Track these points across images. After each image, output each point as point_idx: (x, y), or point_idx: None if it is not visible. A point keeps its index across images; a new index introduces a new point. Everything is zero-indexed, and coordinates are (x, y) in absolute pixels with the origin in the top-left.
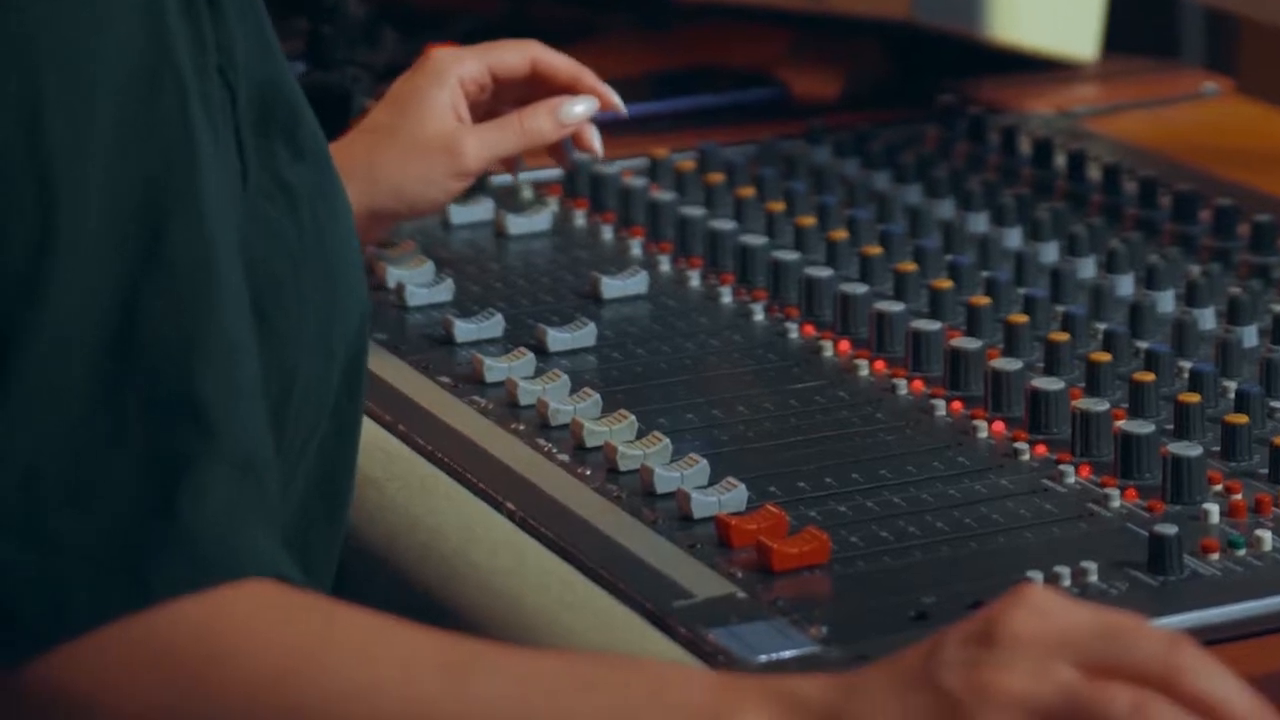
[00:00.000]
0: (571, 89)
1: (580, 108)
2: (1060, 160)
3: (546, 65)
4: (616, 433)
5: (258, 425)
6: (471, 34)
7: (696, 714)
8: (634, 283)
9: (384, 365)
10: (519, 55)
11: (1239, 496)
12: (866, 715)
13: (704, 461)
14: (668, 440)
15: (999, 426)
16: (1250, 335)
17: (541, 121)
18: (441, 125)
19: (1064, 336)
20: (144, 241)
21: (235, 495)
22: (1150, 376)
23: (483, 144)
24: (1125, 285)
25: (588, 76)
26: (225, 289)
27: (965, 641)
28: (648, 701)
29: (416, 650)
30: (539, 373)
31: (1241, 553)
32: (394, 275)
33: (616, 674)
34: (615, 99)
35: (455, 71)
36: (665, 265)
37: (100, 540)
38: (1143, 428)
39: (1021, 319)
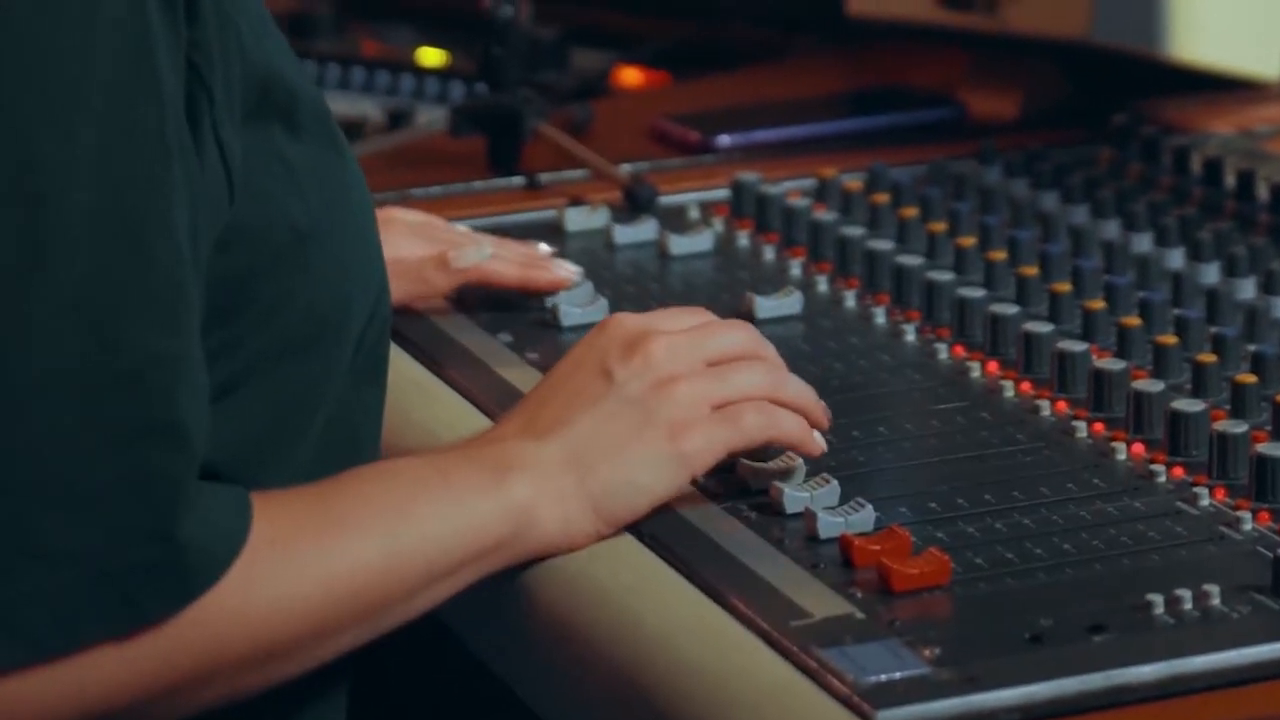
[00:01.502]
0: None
1: (470, 256)
2: (1230, 180)
3: (493, 276)
4: (751, 452)
5: (206, 422)
6: (662, 55)
7: (477, 489)
8: (788, 303)
9: (531, 385)
10: (472, 259)
11: None
12: (592, 445)
13: (834, 482)
14: (800, 461)
15: (1138, 448)
16: None
17: (431, 273)
18: None
19: (1212, 358)
20: (127, 263)
21: (210, 503)
22: None
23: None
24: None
25: (537, 275)
26: (194, 304)
27: (626, 363)
28: (443, 502)
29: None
30: None
31: None
32: (550, 296)
33: (424, 482)
34: (567, 277)
35: (400, 244)
36: (823, 285)
37: (96, 560)
38: (1277, 450)
39: (1172, 340)
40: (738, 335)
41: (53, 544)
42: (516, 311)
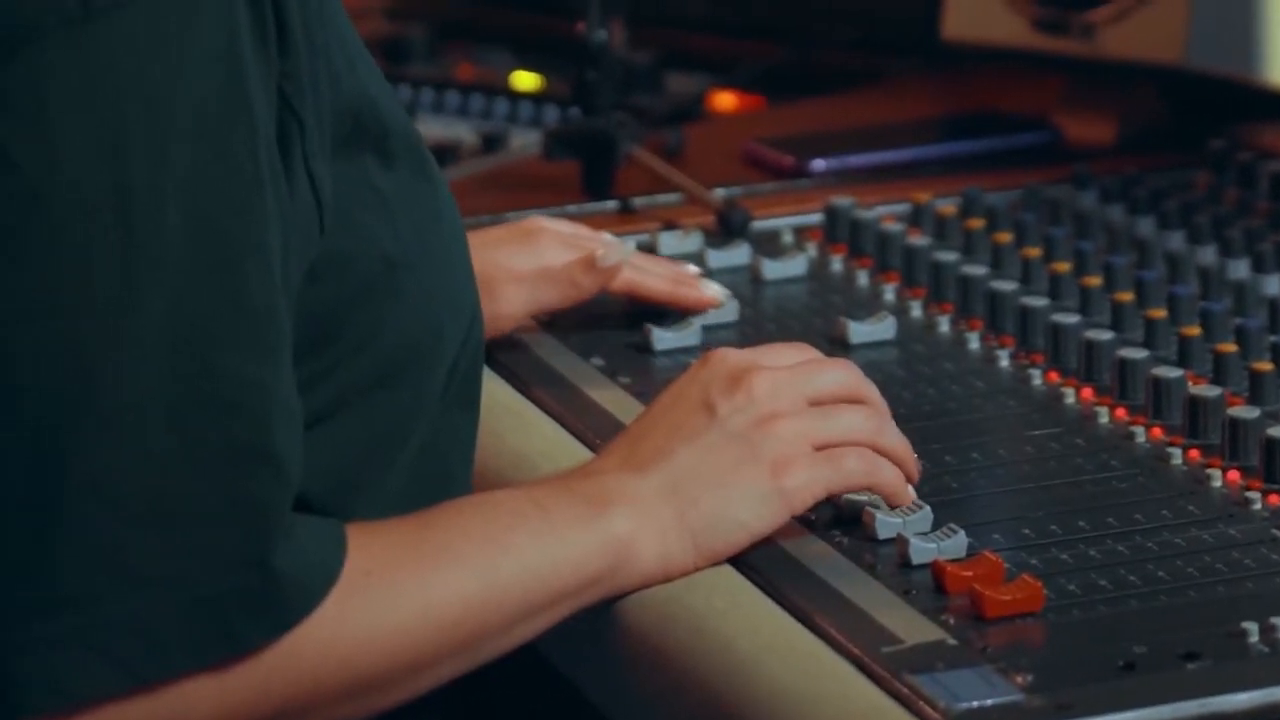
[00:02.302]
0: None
1: (616, 253)
2: None
3: (643, 289)
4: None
5: (299, 450)
6: (756, 79)
7: (576, 522)
8: (881, 328)
9: (626, 410)
10: (617, 256)
11: None
12: (691, 478)
13: (927, 508)
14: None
15: (1234, 475)
16: None
17: (580, 275)
18: (492, 270)
19: None
20: (220, 289)
21: (304, 533)
22: None
23: (522, 294)
24: None
25: (686, 291)
26: (286, 332)
27: (729, 398)
28: (542, 534)
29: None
30: None
31: None
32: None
33: (521, 514)
34: (716, 298)
35: (549, 254)
36: (916, 310)
37: (190, 587)
38: None
39: (1267, 366)
40: (841, 375)
41: (148, 570)
42: (608, 335)
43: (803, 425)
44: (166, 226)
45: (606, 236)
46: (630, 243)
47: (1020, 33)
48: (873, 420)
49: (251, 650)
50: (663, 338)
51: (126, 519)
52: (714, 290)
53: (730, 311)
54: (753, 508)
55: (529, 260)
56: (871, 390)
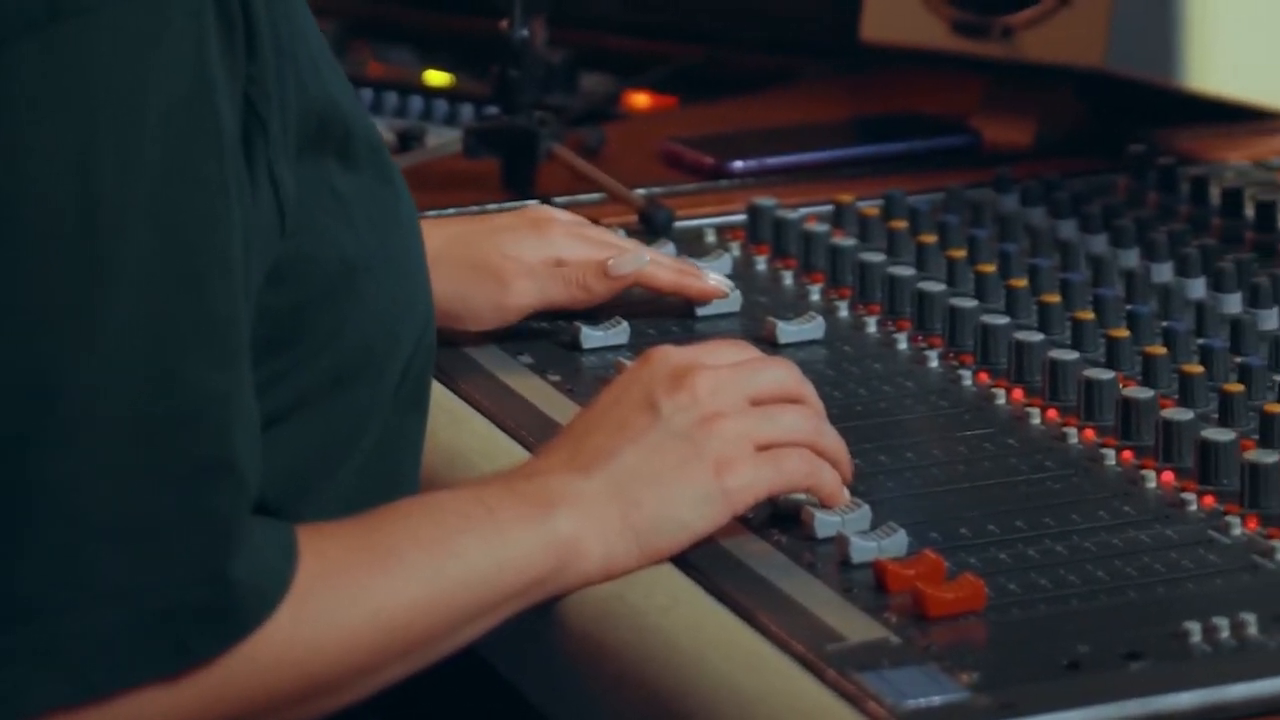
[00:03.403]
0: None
1: (630, 263)
2: (1250, 211)
3: (650, 279)
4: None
5: (257, 453)
6: (670, 80)
7: (522, 523)
8: (810, 328)
9: (556, 407)
10: (631, 266)
11: None
12: (639, 479)
13: (865, 506)
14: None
15: (1168, 476)
16: None
17: (592, 280)
18: (501, 260)
19: (1239, 388)
20: (184, 300)
21: (260, 539)
22: None
23: (533, 288)
24: None
25: (691, 282)
26: (246, 341)
27: (672, 397)
28: (489, 536)
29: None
30: None
31: None
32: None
33: (468, 515)
34: (720, 289)
35: (561, 245)
36: (843, 311)
37: (149, 599)
38: None
39: (1197, 369)
40: (781, 374)
41: (107, 582)
42: (535, 332)
43: (745, 425)
44: (132, 234)
45: (611, 233)
46: (641, 246)
47: (939, 35)
48: (812, 420)
49: (207, 660)
50: (591, 335)
51: (87, 531)
52: (718, 279)
53: (653, 305)
54: (695, 507)
55: (540, 251)
56: (809, 390)
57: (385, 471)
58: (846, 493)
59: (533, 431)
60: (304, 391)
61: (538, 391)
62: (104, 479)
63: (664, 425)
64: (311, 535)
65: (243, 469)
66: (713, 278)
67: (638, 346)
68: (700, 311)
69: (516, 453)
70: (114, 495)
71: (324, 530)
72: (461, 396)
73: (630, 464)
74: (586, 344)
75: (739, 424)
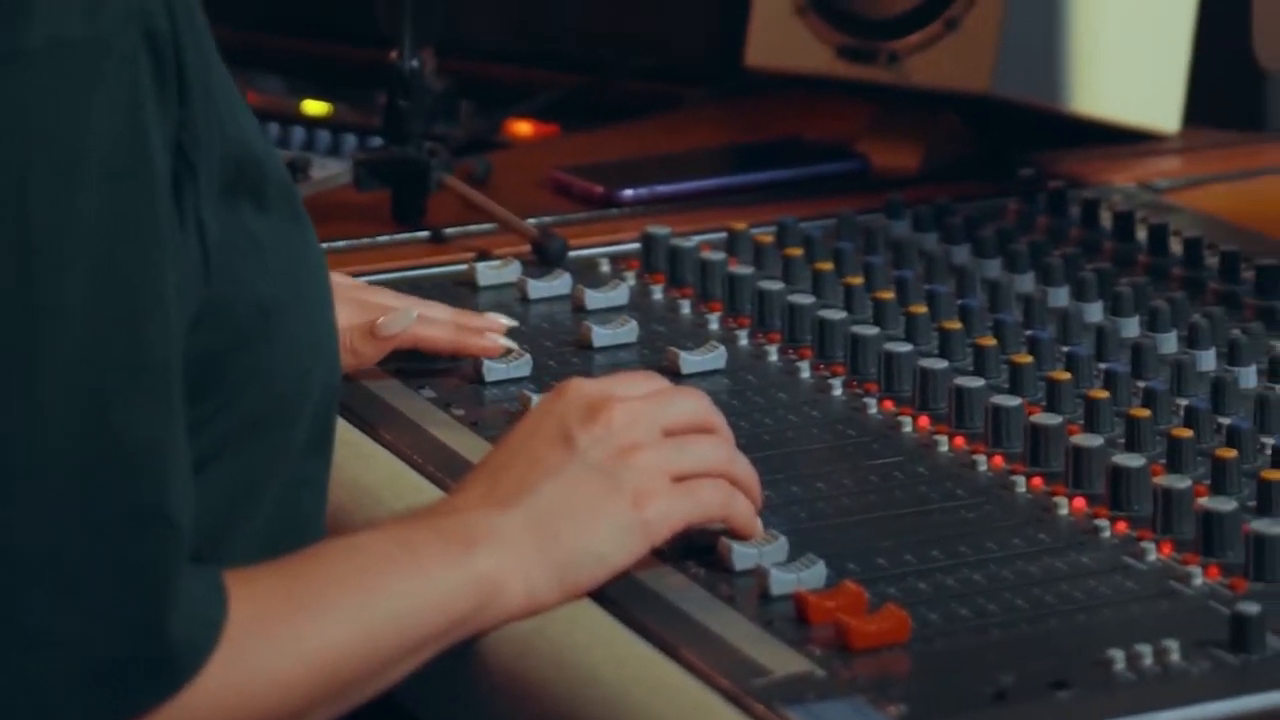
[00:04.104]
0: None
1: (398, 322)
2: (1142, 234)
3: (427, 342)
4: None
5: (191, 505)
6: (550, 107)
7: (443, 562)
8: (712, 358)
9: (461, 442)
10: (399, 325)
11: None
12: (558, 513)
13: (782, 538)
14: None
15: (1080, 503)
16: None
17: (360, 343)
18: None
19: (1145, 413)
20: (121, 346)
21: (192, 587)
22: (1232, 453)
23: None
24: (1207, 360)
25: (470, 341)
26: (180, 387)
27: (588, 430)
28: (411, 577)
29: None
30: None
31: None
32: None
33: (392, 557)
34: (500, 345)
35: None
36: (744, 340)
37: (84, 651)
38: (1225, 505)
39: (1102, 394)
40: (693, 404)
41: (41, 633)
42: (434, 366)
43: (660, 456)
44: (69, 280)
45: (385, 293)
46: (410, 303)
47: (825, 61)
48: (724, 450)
49: (143, 712)
50: (493, 369)
51: (21, 579)
52: (498, 336)
53: (554, 340)
54: (614, 540)
55: None
56: (720, 419)
57: (293, 514)
58: (760, 523)
59: (439, 466)
60: (223, 437)
61: (442, 426)
62: (39, 527)
63: (580, 458)
64: (239, 581)
65: (178, 518)
66: (496, 324)
67: (540, 379)
68: (598, 342)
69: (425, 488)
70: (48, 544)
71: (250, 576)
72: (366, 432)
73: (548, 498)
74: (489, 377)
75: (654, 455)
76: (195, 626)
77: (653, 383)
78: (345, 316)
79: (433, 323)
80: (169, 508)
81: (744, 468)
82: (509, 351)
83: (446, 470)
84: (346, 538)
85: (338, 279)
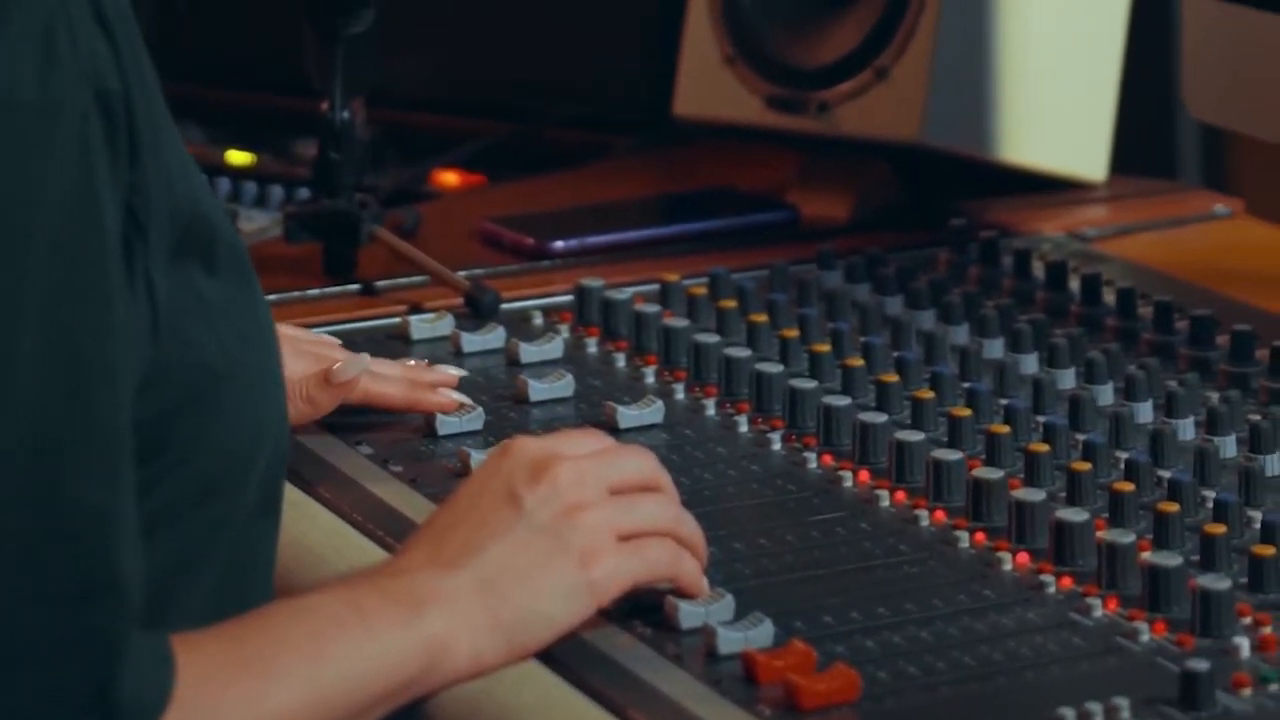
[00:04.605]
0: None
1: (352, 368)
2: (1074, 284)
3: (380, 399)
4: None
5: (140, 570)
6: (478, 156)
7: (392, 624)
8: (650, 412)
9: (401, 499)
10: (353, 370)
11: (1269, 630)
12: (502, 571)
13: (729, 596)
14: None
15: (1023, 558)
16: (1273, 464)
17: (315, 392)
18: None
19: (1086, 466)
20: (70, 414)
21: (140, 653)
22: (1175, 507)
23: None
24: (1144, 412)
25: (424, 397)
26: (130, 454)
27: (533, 490)
28: (362, 640)
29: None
30: None
31: (1275, 688)
32: None
33: (337, 619)
34: (453, 400)
35: (287, 365)
36: (680, 393)
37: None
38: (1170, 560)
39: (1042, 448)
40: (639, 463)
41: None
42: (372, 421)
43: (607, 515)
44: (17, 346)
45: (337, 345)
46: (365, 356)
47: (754, 111)
48: (670, 508)
49: None
50: (446, 423)
51: None
52: (451, 393)
53: (490, 394)
54: (561, 600)
55: None
56: (665, 477)
57: (241, 579)
58: (706, 582)
59: (380, 524)
60: (171, 499)
61: (381, 482)
62: None
63: (527, 519)
64: (186, 645)
65: (126, 585)
66: (444, 390)
67: (481, 434)
68: (534, 396)
69: (365, 546)
70: None
71: (196, 641)
72: (306, 490)
73: (495, 559)
74: (442, 430)
75: (601, 514)
76: (145, 692)
77: (598, 440)
78: (300, 367)
79: (386, 379)
80: (117, 576)
81: (690, 526)
82: (461, 406)
83: (387, 528)
84: (294, 599)
85: (291, 331)
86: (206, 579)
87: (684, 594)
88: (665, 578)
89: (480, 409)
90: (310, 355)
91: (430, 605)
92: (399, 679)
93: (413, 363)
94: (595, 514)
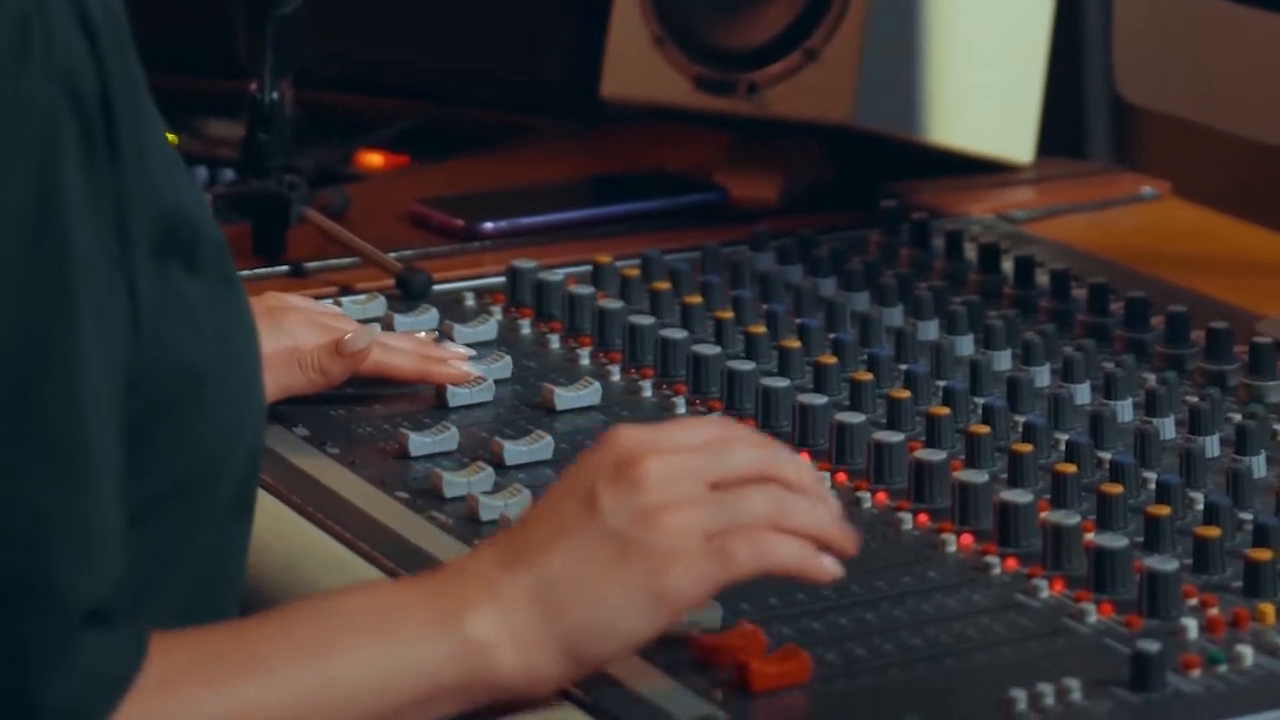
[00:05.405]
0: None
1: (363, 338)
2: (1007, 266)
3: (390, 369)
4: None
5: (110, 569)
6: (402, 137)
7: (430, 630)
8: (587, 394)
9: (339, 480)
10: (365, 340)
11: (1216, 611)
12: (565, 579)
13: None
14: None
15: (967, 540)
16: (1212, 445)
17: (327, 362)
18: None
19: (1027, 447)
20: (18, 411)
21: (93, 652)
22: (1118, 488)
23: (270, 381)
24: (1083, 394)
25: (435, 369)
26: (95, 454)
27: (614, 490)
28: (384, 639)
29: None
30: (498, 487)
31: (1223, 669)
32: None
33: (356, 620)
34: (466, 373)
35: (297, 333)
36: (616, 375)
37: None
38: (1116, 541)
39: (982, 429)
40: (750, 454)
41: None
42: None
43: (696, 515)
44: None
45: (347, 315)
46: (376, 327)
47: (683, 92)
48: (777, 499)
49: None
50: (457, 394)
51: None
52: (463, 365)
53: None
54: (629, 615)
55: (277, 341)
56: (788, 465)
57: (217, 575)
58: (832, 563)
59: (318, 506)
60: (150, 500)
61: (318, 463)
62: None
63: (600, 522)
64: (169, 640)
65: (60, 591)
66: (454, 362)
67: (416, 419)
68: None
69: (304, 528)
70: None
71: (184, 636)
72: None
73: (560, 564)
74: (453, 402)
75: (688, 515)
76: (88, 691)
77: (711, 429)
78: (312, 338)
79: (396, 350)
80: (50, 580)
81: (807, 515)
82: (472, 378)
83: (326, 511)
84: (319, 597)
85: (300, 303)
86: (182, 578)
87: (802, 580)
88: (758, 573)
89: (491, 381)
90: (321, 326)
91: (477, 608)
92: (428, 686)
93: (423, 334)
94: (681, 515)
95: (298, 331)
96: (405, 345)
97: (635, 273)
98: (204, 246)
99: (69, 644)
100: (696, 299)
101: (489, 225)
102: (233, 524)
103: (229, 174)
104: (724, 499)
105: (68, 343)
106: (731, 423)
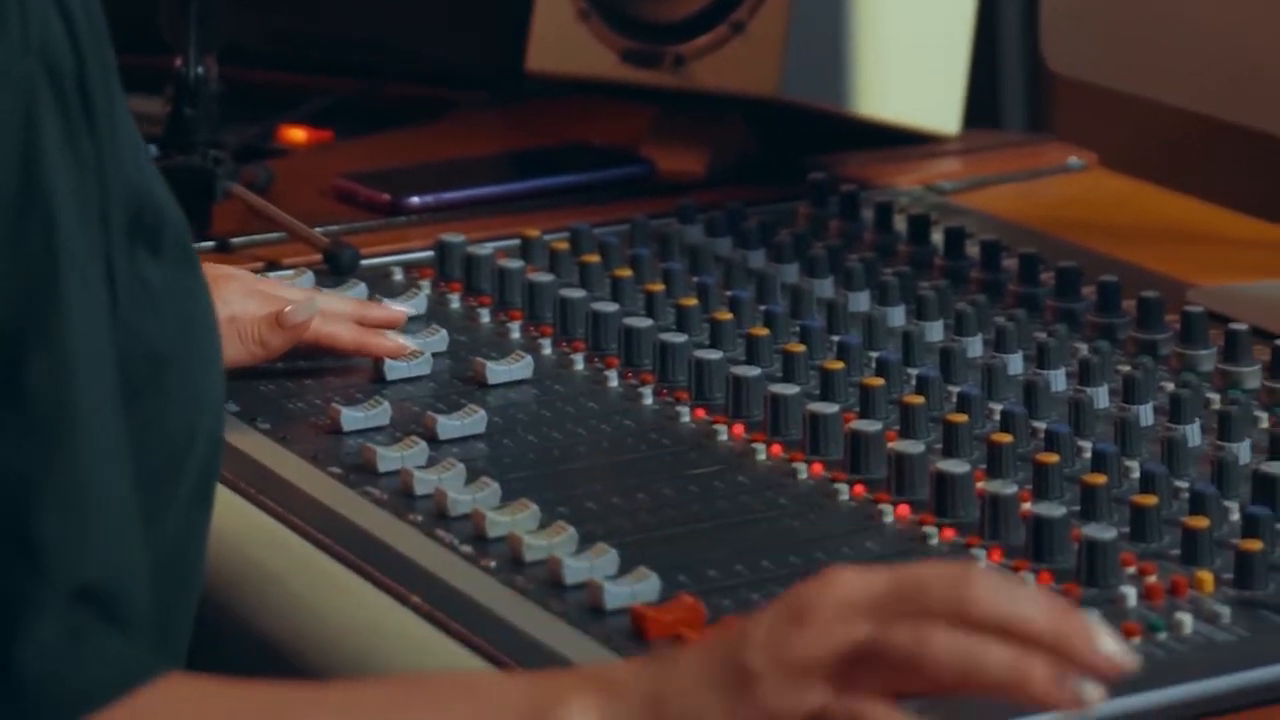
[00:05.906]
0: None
1: (304, 311)
2: (937, 237)
3: (330, 340)
4: (519, 522)
5: (110, 548)
6: (325, 112)
7: (519, 716)
8: (519, 368)
9: (271, 456)
10: (305, 314)
11: (1154, 579)
12: (680, 695)
13: (613, 551)
14: (573, 529)
15: (904, 510)
16: (1146, 414)
17: (267, 334)
18: None
19: (962, 418)
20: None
21: (72, 632)
22: (1054, 458)
23: None
24: (1016, 364)
25: (374, 341)
26: (85, 422)
27: (776, 622)
28: (469, 713)
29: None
30: (432, 462)
31: (1163, 636)
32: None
33: (435, 693)
34: (405, 346)
35: (235, 303)
36: (547, 348)
37: None
38: (1054, 510)
39: (917, 399)
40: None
41: None
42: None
43: (811, 652)
44: None
45: (288, 285)
46: (313, 294)
47: (608, 65)
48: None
49: None
50: (395, 367)
51: None
52: (399, 336)
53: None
54: None
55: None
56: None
57: (177, 565)
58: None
59: (250, 482)
60: None
61: (250, 439)
62: None
63: (739, 651)
64: (190, 687)
65: (44, 550)
66: (393, 335)
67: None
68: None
69: (235, 503)
70: None
71: (237, 683)
72: None
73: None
74: (390, 375)
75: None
76: (79, 677)
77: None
78: (252, 307)
79: (335, 319)
80: (33, 538)
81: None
82: (409, 351)
83: (258, 485)
84: (417, 674)
85: (238, 272)
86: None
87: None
88: None
89: (428, 354)
90: (261, 295)
91: (583, 695)
92: None
93: (360, 290)
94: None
95: (236, 301)
96: (343, 309)
97: (564, 246)
98: (167, 229)
99: (48, 611)
100: (626, 272)
101: (415, 200)
102: (194, 512)
103: (153, 149)
104: (872, 637)
105: (57, 316)
106: (977, 568)
